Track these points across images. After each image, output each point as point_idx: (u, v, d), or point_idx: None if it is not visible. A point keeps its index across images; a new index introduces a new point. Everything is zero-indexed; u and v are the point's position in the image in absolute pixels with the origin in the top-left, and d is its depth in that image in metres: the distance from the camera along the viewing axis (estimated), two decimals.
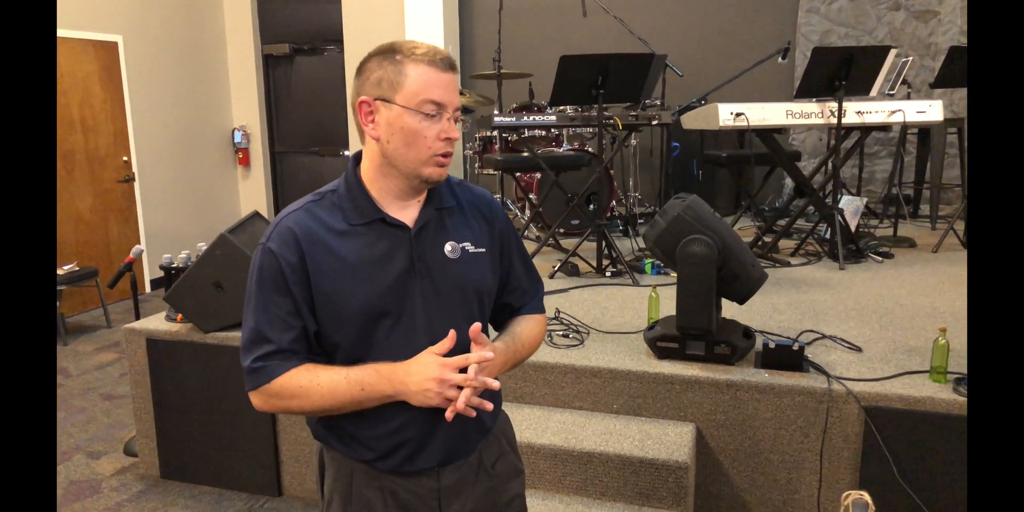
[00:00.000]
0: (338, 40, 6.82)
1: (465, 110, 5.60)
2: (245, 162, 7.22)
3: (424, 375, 1.19)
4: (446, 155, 1.26)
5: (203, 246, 2.82)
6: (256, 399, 1.28)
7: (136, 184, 6.09)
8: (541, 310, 1.47)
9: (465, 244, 1.34)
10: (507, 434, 1.46)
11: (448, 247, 1.31)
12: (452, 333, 1.22)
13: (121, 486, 2.99)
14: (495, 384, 1.22)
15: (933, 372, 2.27)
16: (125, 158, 5.98)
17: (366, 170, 1.29)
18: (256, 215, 3.20)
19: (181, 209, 6.59)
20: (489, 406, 1.23)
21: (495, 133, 5.23)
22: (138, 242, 6.12)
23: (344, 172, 1.32)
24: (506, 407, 2.52)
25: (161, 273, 3.29)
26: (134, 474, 3.08)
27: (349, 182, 1.29)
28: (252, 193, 7.31)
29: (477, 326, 1.22)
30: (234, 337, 2.80)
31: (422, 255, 1.28)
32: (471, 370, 1.20)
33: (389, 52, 1.24)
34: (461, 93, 5.55)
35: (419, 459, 1.30)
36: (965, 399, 2.14)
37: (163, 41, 6.32)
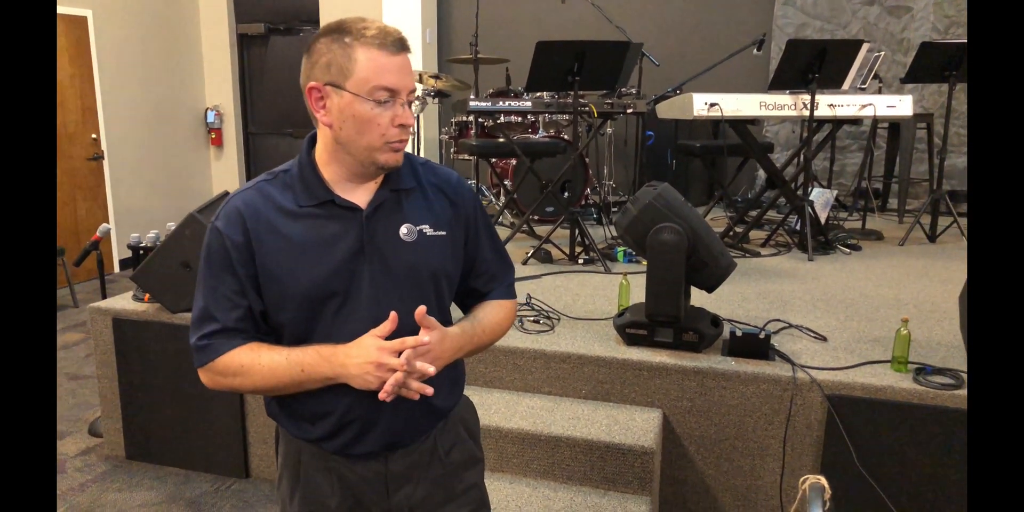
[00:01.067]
0: (314, 20, 6.73)
1: (441, 94, 5.57)
2: (218, 142, 7.12)
3: (363, 358, 1.18)
4: (401, 141, 1.23)
5: (172, 226, 2.78)
6: (203, 376, 1.29)
7: (105, 162, 5.98)
8: (510, 295, 1.45)
9: (423, 226, 1.31)
10: (467, 421, 1.44)
11: (404, 229, 1.29)
12: (393, 315, 1.20)
13: (86, 466, 2.96)
14: (430, 369, 1.19)
15: (894, 362, 2.32)
16: (94, 135, 5.87)
17: (320, 153, 1.27)
18: (226, 195, 3.17)
19: (151, 189, 6.49)
20: (429, 391, 1.20)
21: (471, 118, 5.21)
22: (107, 221, 6.01)
23: (299, 154, 1.30)
24: (475, 391, 2.55)
25: (129, 253, 3.24)
26: (99, 455, 3.05)
27: (302, 163, 1.28)
28: (225, 174, 7.22)
29: (421, 309, 1.20)
30: None
31: (372, 237, 1.26)
32: (404, 355, 1.18)
33: (338, 32, 1.20)
34: (437, 77, 5.52)
35: (364, 442, 1.29)
36: (924, 388, 2.19)
37: (134, 17, 6.18)
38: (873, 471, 2.22)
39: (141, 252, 2.94)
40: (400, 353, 1.18)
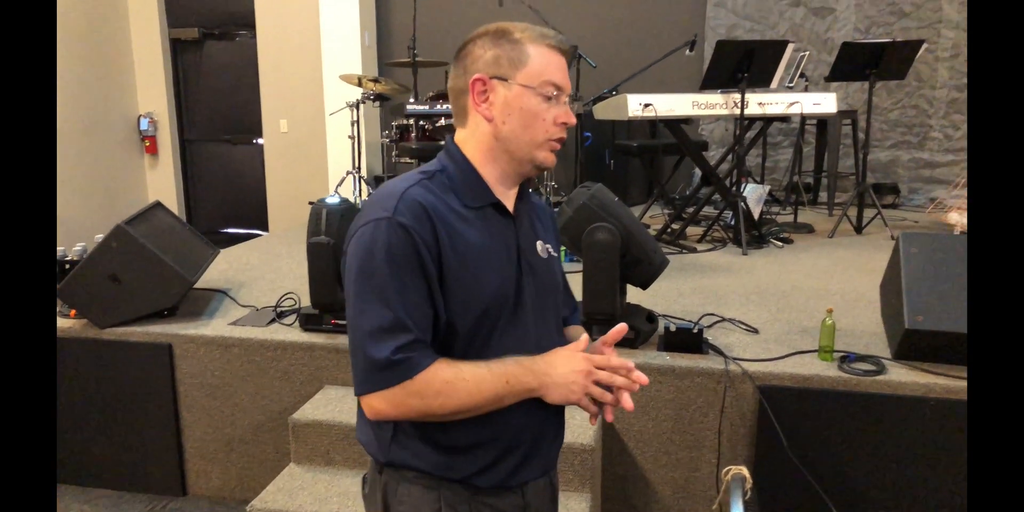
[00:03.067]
0: (250, 25, 6.62)
1: (381, 98, 5.55)
2: (153, 150, 6.94)
3: (570, 368, 1.13)
4: (560, 140, 1.20)
5: (100, 238, 2.71)
6: (382, 401, 1.10)
7: None
8: (579, 321, 1.47)
9: (548, 245, 1.29)
10: None
11: (539, 245, 1.26)
12: (585, 336, 1.20)
13: None
14: (644, 379, 1.15)
15: (821, 351, 2.41)
16: None
17: (472, 153, 1.20)
18: (158, 205, 3.11)
19: (81, 199, 6.29)
20: (629, 405, 1.15)
21: (411, 121, 5.20)
22: None
23: (445, 153, 1.23)
24: None
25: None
26: None
27: (459, 163, 1.20)
28: (160, 183, 7.04)
29: (619, 330, 1.17)
30: (132, 333, 2.71)
31: (524, 248, 1.22)
32: (617, 361, 1.14)
33: (502, 33, 1.18)
34: (376, 81, 5.50)
35: (524, 469, 1.20)
36: (848, 375, 2.28)
37: (60, 21, 6.00)
38: (803, 457, 2.30)
39: (68, 266, 2.86)
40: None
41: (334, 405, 2.48)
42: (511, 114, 1.16)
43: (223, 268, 3.73)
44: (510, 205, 1.23)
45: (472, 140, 1.20)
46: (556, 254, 1.31)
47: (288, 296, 3.02)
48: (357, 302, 1.11)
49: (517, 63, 1.16)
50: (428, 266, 1.10)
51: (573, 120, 1.20)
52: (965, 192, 4.61)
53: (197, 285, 3.15)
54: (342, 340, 2.60)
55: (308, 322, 2.71)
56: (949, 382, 2.20)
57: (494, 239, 1.18)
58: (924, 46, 4.51)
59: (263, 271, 3.71)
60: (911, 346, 2.30)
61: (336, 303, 2.65)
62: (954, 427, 2.19)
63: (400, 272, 1.09)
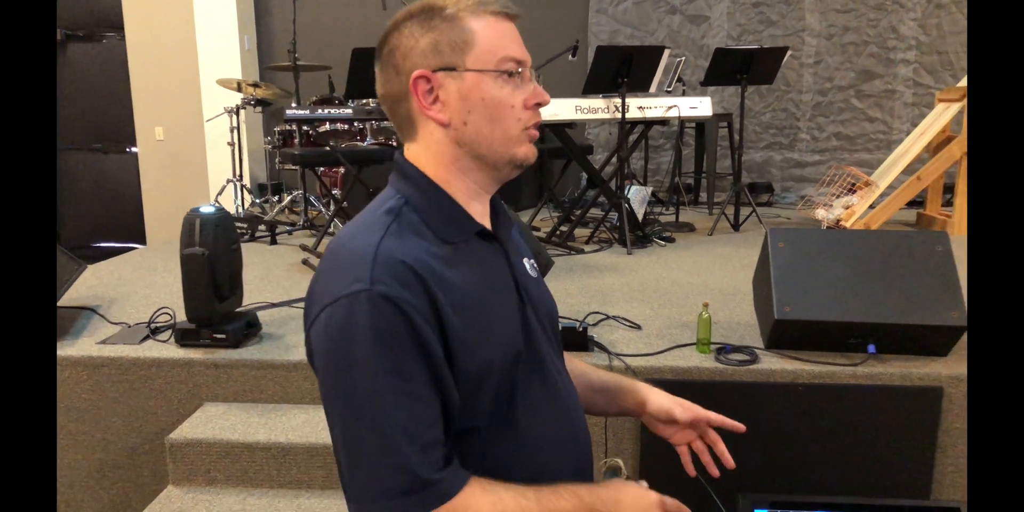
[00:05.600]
0: (118, 26, 6.28)
1: (263, 103, 5.38)
2: None
3: (639, 506, 0.96)
4: (536, 125, 0.98)
5: None
6: None
7: None
8: None
9: (532, 260, 1.09)
10: None
11: (526, 263, 1.05)
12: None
13: None
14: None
15: (699, 344, 2.50)
16: None
17: (434, 171, 0.96)
18: None
19: None
20: None
21: (295, 126, 5.07)
22: None
23: (401, 178, 0.98)
24: (280, 411, 2.47)
25: None
26: None
27: (424, 189, 0.95)
28: None
29: (735, 425, 1.09)
30: None
31: (519, 276, 1.01)
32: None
33: (431, 11, 0.95)
34: (257, 85, 5.33)
35: None
36: (725, 366, 2.38)
37: None
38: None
39: None
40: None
41: (214, 422, 2.38)
42: (471, 110, 0.94)
43: (92, 284, 3.51)
44: (488, 224, 1.01)
45: (427, 153, 0.97)
46: (539, 270, 1.12)
47: (163, 311, 2.87)
48: (344, 412, 0.86)
49: (462, 45, 0.93)
50: (431, 346, 0.86)
51: (547, 98, 0.98)
52: (831, 189, 4.92)
53: (61, 303, 2.95)
54: (221, 354, 2.50)
55: (184, 337, 2.58)
56: (815, 367, 2.33)
57: (489, 277, 0.96)
58: (789, 53, 4.79)
59: (136, 286, 3.51)
60: (781, 335, 2.43)
61: (214, 316, 2.54)
62: (823, 408, 2.32)
63: (396, 362, 0.84)
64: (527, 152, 0.98)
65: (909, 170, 4.83)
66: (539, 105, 0.97)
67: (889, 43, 6.03)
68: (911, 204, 5.03)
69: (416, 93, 0.94)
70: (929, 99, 6.00)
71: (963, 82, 4.82)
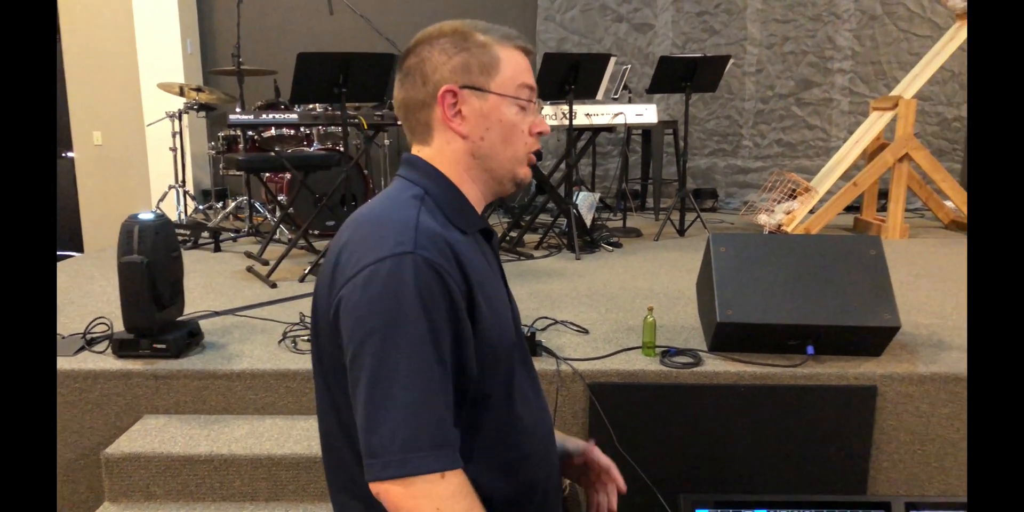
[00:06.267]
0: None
1: (207, 108, 5.28)
2: None
3: None
4: (537, 153, 1.10)
5: None
6: (404, 492, 0.87)
7: None
8: None
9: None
10: None
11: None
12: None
13: None
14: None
15: (644, 347, 2.54)
16: None
17: (449, 172, 1.05)
18: None
19: None
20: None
21: (240, 132, 4.98)
22: None
23: (416, 172, 1.06)
24: (247, 420, 2.43)
25: None
26: None
27: (441, 183, 1.04)
28: None
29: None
30: None
31: (503, 272, 1.12)
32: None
33: (464, 35, 1.04)
34: (200, 90, 5.23)
35: None
36: (669, 369, 2.42)
37: None
38: (632, 449, 2.41)
39: None
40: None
41: (154, 435, 2.32)
42: (489, 128, 1.03)
43: None
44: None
45: (443, 157, 1.06)
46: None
47: (99, 321, 2.79)
48: (378, 366, 0.88)
49: (490, 69, 1.03)
50: (462, 314, 0.92)
51: (548, 128, 1.10)
52: (772, 195, 5.05)
53: None
54: (161, 365, 2.44)
55: (122, 348, 2.51)
56: (757, 369, 2.39)
57: (492, 269, 1.06)
58: (731, 61, 4.90)
59: (72, 295, 3.41)
60: (723, 338, 2.48)
61: (154, 325, 2.48)
62: (764, 409, 2.38)
63: (434, 323, 0.89)
64: (526, 173, 1.09)
65: (846, 176, 4.99)
66: (540, 134, 1.08)
67: (827, 53, 6.22)
68: (848, 209, 5.20)
69: (443, 104, 1.03)
70: (864, 107, 6.22)
71: (896, 91, 5.00)
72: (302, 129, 5.05)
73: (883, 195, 5.22)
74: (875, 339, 2.40)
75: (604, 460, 1.30)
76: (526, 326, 2.77)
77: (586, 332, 2.79)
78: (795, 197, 4.91)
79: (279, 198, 4.82)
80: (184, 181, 5.29)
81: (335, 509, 1.09)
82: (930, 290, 3.40)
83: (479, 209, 1.09)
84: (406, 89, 1.06)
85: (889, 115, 4.83)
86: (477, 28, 1.06)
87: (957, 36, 4.84)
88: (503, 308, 1.03)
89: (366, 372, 0.89)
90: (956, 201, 4.82)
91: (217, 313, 3.05)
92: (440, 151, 1.06)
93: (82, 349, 2.60)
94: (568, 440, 1.35)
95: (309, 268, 3.77)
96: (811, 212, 4.84)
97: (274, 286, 3.57)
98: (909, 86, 4.86)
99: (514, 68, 1.05)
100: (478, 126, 1.03)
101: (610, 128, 4.69)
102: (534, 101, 1.08)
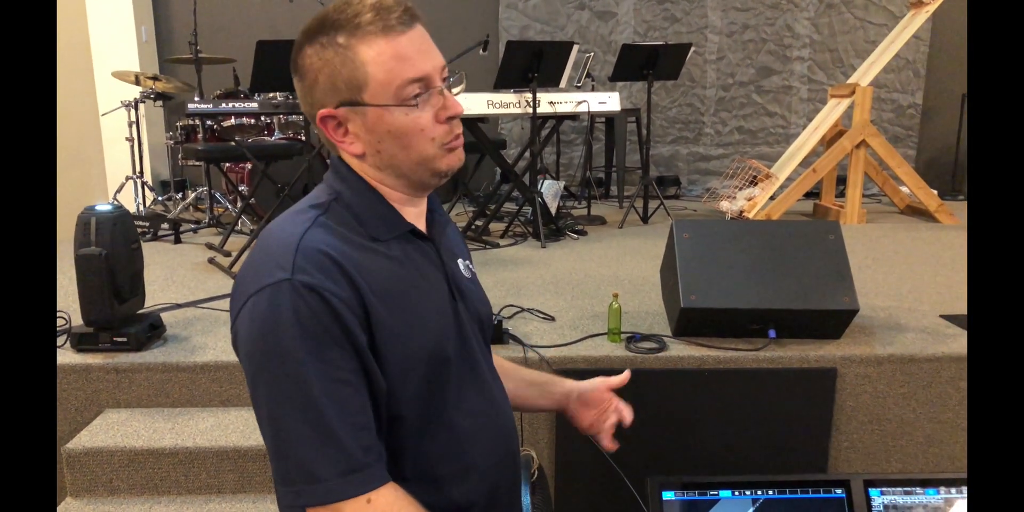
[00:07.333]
0: None
1: (164, 97, 5.16)
2: None
3: None
4: (456, 137, 0.98)
5: None
6: None
7: None
8: None
9: (468, 261, 1.13)
10: None
11: (461, 264, 1.09)
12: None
13: None
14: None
15: (610, 333, 2.56)
16: None
17: (368, 177, 0.99)
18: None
19: None
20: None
21: (199, 121, 4.89)
22: None
23: (334, 174, 1.00)
24: (212, 413, 2.40)
25: None
26: None
27: (355, 186, 0.97)
28: None
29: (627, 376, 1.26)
30: None
31: (451, 274, 1.04)
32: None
33: (324, 33, 0.92)
34: (156, 78, 5.11)
35: None
36: (635, 354, 2.44)
37: None
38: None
39: None
40: None
41: (116, 429, 2.28)
42: (382, 140, 0.94)
43: None
44: (422, 224, 1.04)
45: (357, 165, 1.00)
46: (474, 270, 1.16)
47: (57, 315, 2.72)
48: (271, 400, 0.87)
49: (356, 82, 0.91)
50: (355, 334, 0.88)
51: (459, 109, 0.95)
52: (734, 182, 5.12)
53: None
54: (121, 358, 2.40)
55: (82, 341, 2.46)
56: (720, 353, 2.43)
57: (418, 273, 0.98)
58: (692, 49, 4.94)
59: None
60: (687, 323, 2.51)
61: (113, 318, 2.43)
62: (728, 392, 2.42)
63: (320, 349, 0.86)
64: (450, 162, 0.98)
65: (805, 163, 5.07)
66: (451, 117, 0.96)
67: (785, 41, 6.30)
68: (808, 195, 5.30)
69: (326, 129, 0.96)
70: (823, 95, 6.32)
71: (853, 78, 5.09)
72: (263, 118, 4.97)
73: (841, 181, 5.32)
74: (835, 322, 2.45)
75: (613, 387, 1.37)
76: (493, 314, 2.77)
77: (552, 319, 2.81)
78: (756, 184, 4.98)
79: (240, 188, 4.74)
80: (142, 172, 5.18)
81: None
82: (887, 273, 3.49)
83: (412, 205, 1.02)
84: (300, 100, 1.00)
85: (846, 102, 4.92)
86: (337, 21, 0.92)
87: (911, 25, 4.94)
88: (429, 314, 0.97)
89: (264, 410, 0.89)
90: (911, 186, 4.94)
91: (179, 305, 3.01)
92: (350, 160, 1.00)
93: None
94: (571, 384, 1.44)
95: None
96: (772, 198, 4.91)
97: None
98: (865, 74, 4.96)
99: (385, 69, 0.91)
100: (370, 142, 0.95)
101: (574, 116, 4.70)
102: (434, 87, 0.94)
